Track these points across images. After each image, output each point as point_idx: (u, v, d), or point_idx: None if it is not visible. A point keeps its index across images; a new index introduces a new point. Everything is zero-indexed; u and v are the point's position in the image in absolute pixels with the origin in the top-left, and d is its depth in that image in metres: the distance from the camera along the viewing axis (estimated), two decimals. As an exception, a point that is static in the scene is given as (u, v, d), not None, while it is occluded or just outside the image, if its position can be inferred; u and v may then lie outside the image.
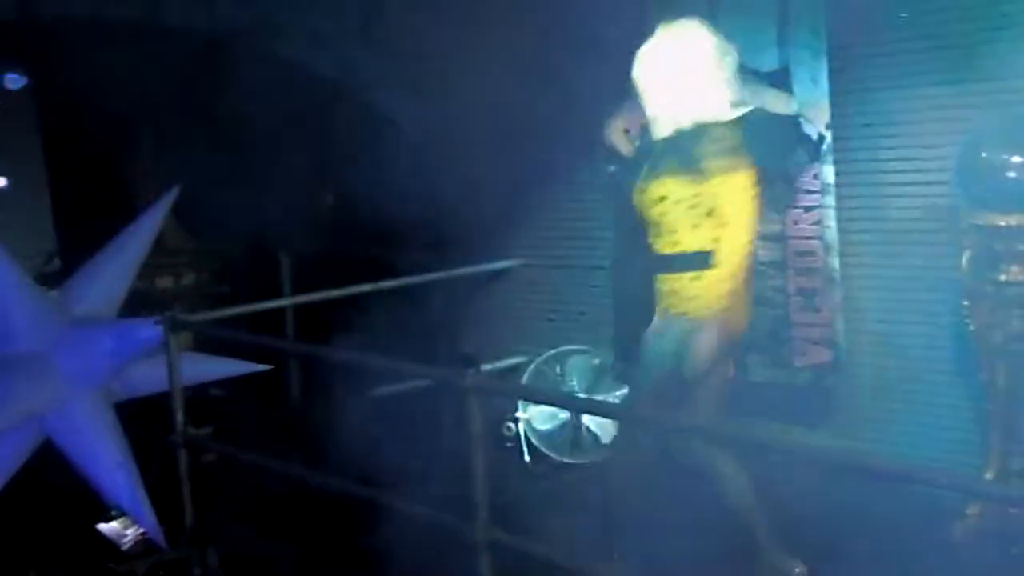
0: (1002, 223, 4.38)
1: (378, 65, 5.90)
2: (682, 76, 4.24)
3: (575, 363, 6.27)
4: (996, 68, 4.82)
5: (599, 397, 6.13)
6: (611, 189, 6.31)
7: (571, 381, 6.23)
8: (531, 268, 7.03)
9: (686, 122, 4.22)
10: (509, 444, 6.10)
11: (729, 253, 4.16)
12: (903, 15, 5.16)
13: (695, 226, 4.21)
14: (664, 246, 4.30)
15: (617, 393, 6.15)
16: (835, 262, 5.58)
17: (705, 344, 4.18)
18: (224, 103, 6.08)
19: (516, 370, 6.61)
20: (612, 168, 6.16)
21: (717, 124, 4.21)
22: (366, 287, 6.65)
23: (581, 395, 6.11)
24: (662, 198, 4.25)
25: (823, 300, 5.64)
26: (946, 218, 4.87)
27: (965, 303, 4.58)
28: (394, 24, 5.99)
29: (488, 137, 6.23)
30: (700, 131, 4.20)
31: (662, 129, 4.30)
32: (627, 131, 6.05)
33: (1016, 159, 4.40)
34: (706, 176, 4.18)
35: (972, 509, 4.53)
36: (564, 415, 6.05)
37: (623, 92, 5.86)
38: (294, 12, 6.32)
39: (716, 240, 4.19)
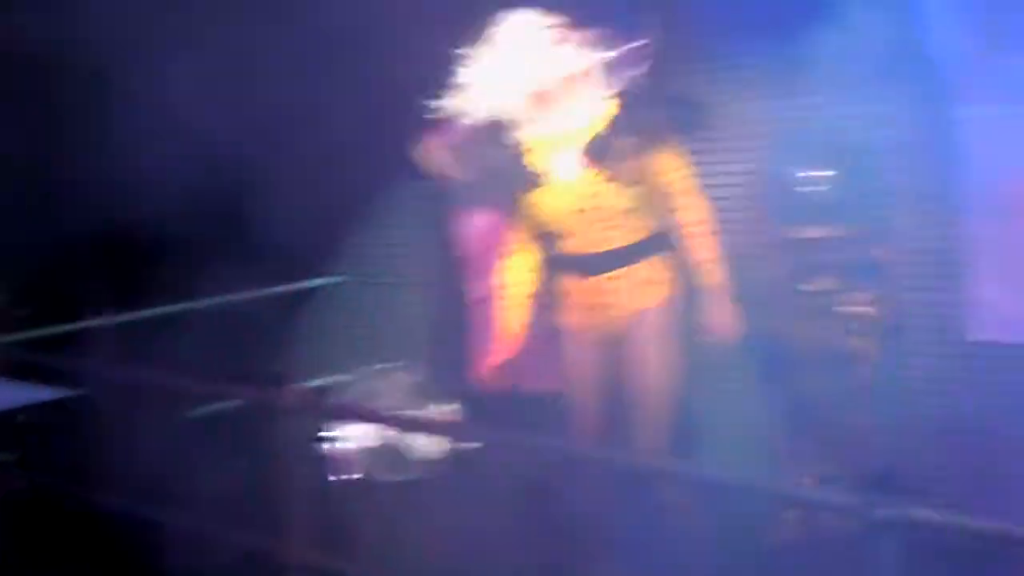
0: (808, 235, 4.51)
1: (175, 65, 5.71)
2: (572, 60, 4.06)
3: (393, 380, 6.21)
4: (802, 85, 4.96)
5: (418, 414, 6.08)
6: (430, 205, 6.29)
7: (390, 398, 6.16)
8: (350, 285, 6.95)
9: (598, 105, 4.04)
10: (325, 463, 6.00)
11: (696, 226, 4.10)
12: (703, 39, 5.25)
13: (635, 212, 4.09)
14: (617, 240, 4.07)
15: (437, 409, 6.11)
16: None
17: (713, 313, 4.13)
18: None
19: (333, 388, 6.51)
20: (433, 183, 6.16)
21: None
22: (181, 306, 6.48)
23: (400, 412, 6.05)
24: (634, 183, 4.05)
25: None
26: (755, 231, 4.98)
27: (773, 314, 4.69)
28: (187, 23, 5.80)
29: (306, 153, 6.14)
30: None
31: (574, 120, 4.08)
32: (452, 149, 6.02)
33: (819, 173, 4.54)
34: (644, 154, 4.07)
35: (788, 516, 4.62)
36: (382, 433, 5.98)
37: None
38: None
39: (648, 228, 4.09)
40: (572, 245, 4.13)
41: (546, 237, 4.18)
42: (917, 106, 4.73)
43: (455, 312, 6.03)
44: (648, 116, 4.03)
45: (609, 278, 4.12)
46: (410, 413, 6.05)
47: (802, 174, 4.53)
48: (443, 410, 6.15)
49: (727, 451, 5.16)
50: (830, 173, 4.56)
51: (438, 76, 4.23)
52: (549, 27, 4.04)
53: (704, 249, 4.14)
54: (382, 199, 6.62)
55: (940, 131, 4.68)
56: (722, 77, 5.29)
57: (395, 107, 5.64)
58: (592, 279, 4.14)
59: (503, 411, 5.48)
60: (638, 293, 4.11)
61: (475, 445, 5.77)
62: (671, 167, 4.09)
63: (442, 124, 5.92)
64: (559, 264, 4.22)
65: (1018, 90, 4.54)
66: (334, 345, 6.92)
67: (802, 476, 4.64)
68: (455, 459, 5.99)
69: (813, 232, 4.52)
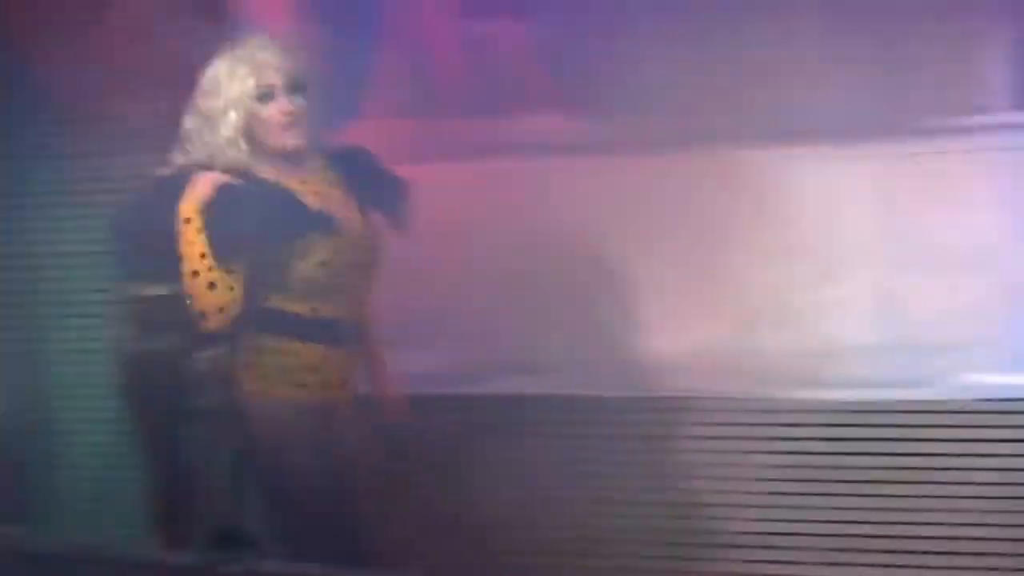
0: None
1: None
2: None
3: None
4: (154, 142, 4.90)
5: None
6: None
7: None
8: None
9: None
10: None
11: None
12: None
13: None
14: (357, 305, 3.77)
15: None
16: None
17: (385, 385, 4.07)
18: None
19: None
20: None
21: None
22: None
23: None
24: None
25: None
26: (110, 290, 4.85)
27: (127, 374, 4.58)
28: None
29: None
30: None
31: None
32: None
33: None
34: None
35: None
36: None
37: None
38: None
39: None
40: (319, 306, 3.63)
41: (301, 292, 3.63)
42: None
43: None
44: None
45: (359, 352, 3.78)
46: None
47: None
48: None
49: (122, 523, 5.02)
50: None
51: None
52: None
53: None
54: None
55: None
56: (67, 132, 5.15)
57: None
58: (336, 349, 3.68)
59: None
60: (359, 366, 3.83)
61: None
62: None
63: None
64: (297, 325, 3.65)
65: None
66: None
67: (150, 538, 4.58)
68: None
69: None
